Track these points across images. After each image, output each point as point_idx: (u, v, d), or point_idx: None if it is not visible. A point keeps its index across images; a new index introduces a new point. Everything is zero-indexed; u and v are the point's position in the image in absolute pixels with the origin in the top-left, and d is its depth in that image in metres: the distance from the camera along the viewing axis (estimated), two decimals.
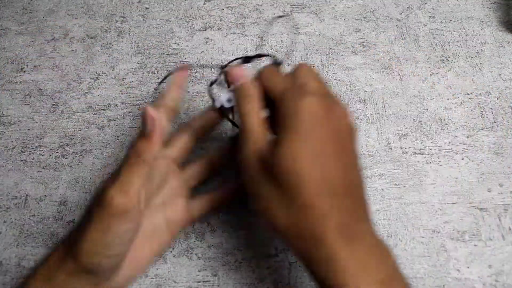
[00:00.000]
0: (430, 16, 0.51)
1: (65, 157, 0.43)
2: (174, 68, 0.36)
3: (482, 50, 0.48)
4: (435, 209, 0.39)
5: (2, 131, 0.45)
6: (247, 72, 0.33)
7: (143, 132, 0.29)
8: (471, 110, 0.44)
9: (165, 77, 0.35)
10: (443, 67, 0.47)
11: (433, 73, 0.47)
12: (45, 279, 0.29)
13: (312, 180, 0.26)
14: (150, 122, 0.29)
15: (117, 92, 0.47)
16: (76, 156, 0.43)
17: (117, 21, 0.52)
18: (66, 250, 0.29)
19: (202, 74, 0.47)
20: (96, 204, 0.29)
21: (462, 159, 0.41)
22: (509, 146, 0.42)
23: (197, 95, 0.46)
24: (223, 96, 0.34)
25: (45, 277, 0.29)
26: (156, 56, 0.49)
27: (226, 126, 0.43)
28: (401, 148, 0.42)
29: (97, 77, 0.48)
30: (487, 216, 0.38)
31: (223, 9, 0.53)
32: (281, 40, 0.50)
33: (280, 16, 0.35)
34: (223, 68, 0.35)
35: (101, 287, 0.30)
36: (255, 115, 0.30)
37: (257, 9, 0.53)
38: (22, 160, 0.43)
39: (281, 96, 0.29)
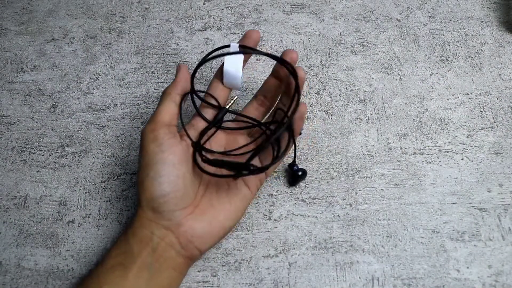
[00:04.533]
0: (430, 16, 0.51)
1: (65, 157, 0.43)
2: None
3: (482, 50, 0.48)
4: (435, 209, 0.39)
5: (2, 131, 0.45)
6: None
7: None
8: (471, 110, 0.44)
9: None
10: (443, 67, 0.47)
11: (432, 73, 0.47)
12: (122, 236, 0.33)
13: None
14: (177, 69, 0.36)
15: (116, 92, 0.47)
16: (75, 157, 0.43)
17: (116, 21, 0.52)
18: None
19: (202, 74, 0.47)
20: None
21: (462, 159, 0.41)
22: (508, 146, 0.42)
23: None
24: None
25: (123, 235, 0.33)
26: (156, 56, 0.49)
27: None
28: (401, 148, 0.42)
29: (96, 77, 0.48)
30: (486, 216, 0.38)
31: (222, 9, 0.53)
32: (281, 40, 0.50)
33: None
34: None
35: (176, 233, 0.32)
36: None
37: (257, 9, 0.53)
38: (21, 161, 0.43)
39: None
